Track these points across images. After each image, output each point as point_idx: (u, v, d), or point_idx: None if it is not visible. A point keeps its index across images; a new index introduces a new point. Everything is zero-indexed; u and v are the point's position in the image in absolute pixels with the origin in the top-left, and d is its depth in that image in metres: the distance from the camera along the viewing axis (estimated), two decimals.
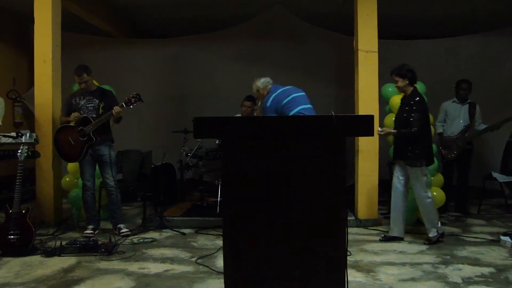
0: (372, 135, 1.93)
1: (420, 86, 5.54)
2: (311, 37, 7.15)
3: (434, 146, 5.46)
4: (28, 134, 4.64)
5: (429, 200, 4.56)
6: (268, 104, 4.74)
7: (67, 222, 5.56)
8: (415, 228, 5.22)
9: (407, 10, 7.18)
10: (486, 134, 5.99)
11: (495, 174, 6.20)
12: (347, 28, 5.93)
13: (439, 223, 4.69)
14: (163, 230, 5.19)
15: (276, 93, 4.78)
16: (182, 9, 7.39)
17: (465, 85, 5.95)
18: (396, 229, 4.72)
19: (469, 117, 5.90)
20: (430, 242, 4.54)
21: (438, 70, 6.87)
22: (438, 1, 6.86)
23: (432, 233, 4.57)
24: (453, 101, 6.04)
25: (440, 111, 6.08)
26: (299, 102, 4.70)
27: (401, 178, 4.65)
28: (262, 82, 4.94)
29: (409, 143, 4.45)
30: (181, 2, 7.03)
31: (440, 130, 6.00)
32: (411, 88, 4.56)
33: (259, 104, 5.04)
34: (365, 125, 2.00)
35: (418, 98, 4.49)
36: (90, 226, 5.02)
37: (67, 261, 4.05)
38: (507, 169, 6.85)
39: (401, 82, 4.54)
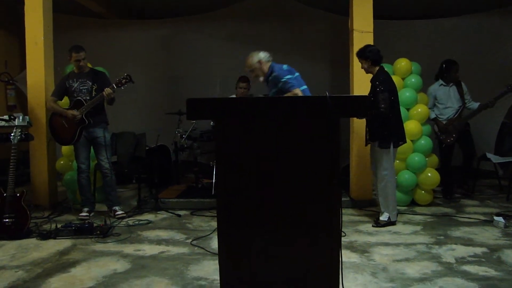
0: (367, 116, 1.92)
1: (415, 67, 5.55)
2: (305, 18, 7.09)
3: (427, 128, 5.49)
4: (21, 117, 4.62)
5: (388, 184, 4.53)
6: (284, 75, 4.49)
7: (62, 204, 5.57)
8: (409, 209, 5.26)
9: None
10: (480, 114, 5.89)
11: (489, 155, 6.21)
12: (342, 8, 5.87)
13: (396, 212, 4.65)
14: (158, 212, 5.21)
15: (286, 66, 4.64)
16: None
17: (456, 67, 5.72)
18: None
19: (460, 97, 5.74)
20: (378, 225, 4.54)
21: (434, 50, 6.85)
22: None
23: (383, 217, 4.58)
24: (441, 84, 5.77)
25: (428, 96, 5.77)
26: (301, 82, 4.63)
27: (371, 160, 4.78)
28: (265, 56, 4.63)
29: (378, 124, 4.46)
30: None
31: (433, 115, 5.74)
32: (376, 68, 4.58)
33: (260, 79, 4.67)
34: (359, 106, 1.99)
35: (381, 78, 4.48)
36: (85, 209, 5.03)
37: (63, 243, 4.06)
38: (502, 150, 6.87)
39: (365, 63, 4.61)
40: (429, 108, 5.74)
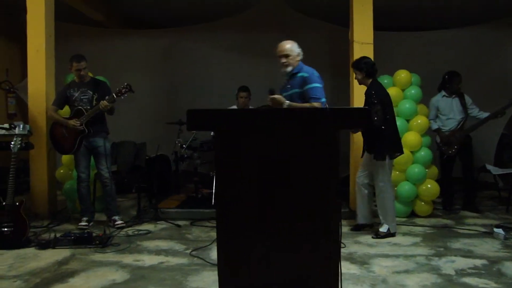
0: (367, 128, 1.92)
1: (415, 78, 5.57)
2: (306, 28, 7.11)
3: (427, 139, 5.49)
4: (21, 126, 4.61)
5: (386, 195, 4.54)
6: (315, 81, 4.12)
7: (62, 214, 5.55)
8: (408, 220, 5.25)
9: (402, 1, 7.17)
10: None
11: (489, 167, 6.21)
12: (342, 19, 5.91)
13: (395, 224, 4.64)
14: (158, 222, 5.19)
15: (317, 73, 4.24)
16: (175, 0, 7.34)
17: (458, 78, 5.72)
18: (360, 216, 4.82)
19: (462, 108, 5.72)
20: (377, 236, 4.54)
21: (433, 61, 6.86)
22: None
23: (382, 228, 4.58)
24: (443, 96, 5.78)
25: (430, 108, 5.79)
26: (323, 94, 4.32)
27: (361, 169, 4.79)
28: (299, 50, 4.27)
29: (372, 137, 4.48)
30: None
31: (435, 126, 5.74)
32: (369, 80, 4.64)
33: (288, 70, 4.21)
34: (359, 118, 2.00)
35: (374, 90, 4.52)
36: (85, 218, 5.01)
37: (61, 253, 4.04)
38: (501, 161, 6.88)
39: (359, 75, 4.68)
40: (431, 119, 5.75)
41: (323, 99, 4.13)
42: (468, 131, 5.71)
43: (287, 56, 4.19)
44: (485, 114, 5.68)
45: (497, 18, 6.99)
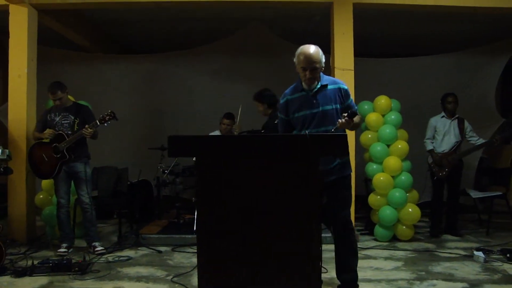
0: (347, 154, 1.95)
1: (394, 104, 5.68)
2: (288, 54, 7.18)
3: (407, 164, 5.56)
4: (0, 150, 4.55)
5: None
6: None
7: (40, 240, 5.44)
8: (390, 244, 5.27)
9: (382, 29, 7.35)
10: None
11: (469, 190, 6.31)
12: (323, 46, 6.00)
13: None
14: (139, 248, 5.12)
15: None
16: (159, 26, 7.42)
17: (451, 98, 5.78)
18: None
19: (459, 132, 5.77)
20: None
21: (413, 87, 7.02)
22: (412, 22, 7.04)
23: None
24: (442, 116, 5.84)
25: (428, 127, 5.86)
26: None
27: None
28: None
29: None
30: (158, 19, 7.06)
31: (430, 146, 5.79)
32: (270, 111, 4.96)
33: (312, 86, 3.36)
34: (339, 144, 2.03)
35: (276, 119, 4.71)
36: (64, 245, 4.92)
37: (39, 281, 3.94)
38: (480, 185, 6.98)
39: (261, 106, 4.98)
40: (428, 139, 5.83)
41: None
42: (462, 155, 5.76)
43: (315, 69, 3.29)
44: (481, 141, 5.77)
45: (477, 46, 7.20)
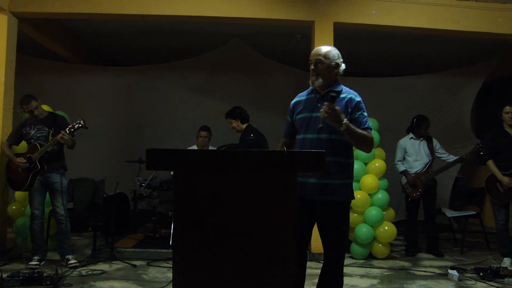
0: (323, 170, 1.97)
1: (373, 123, 5.73)
2: (269, 71, 7.27)
3: (384, 182, 5.62)
4: None
5: None
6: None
7: (11, 252, 5.30)
8: (366, 262, 5.30)
9: (362, 49, 7.49)
10: None
11: (444, 209, 6.40)
12: (304, 64, 6.07)
13: None
14: (114, 262, 5.03)
15: None
16: (141, 38, 7.43)
17: (426, 123, 5.84)
18: None
19: (429, 151, 5.83)
20: None
21: (390, 107, 7.14)
22: (391, 43, 7.20)
23: None
24: (411, 138, 5.91)
25: (397, 149, 5.92)
26: None
27: None
28: (338, 59, 3.03)
29: None
30: (140, 32, 7.07)
31: (402, 168, 5.83)
32: (244, 125, 5.17)
33: (317, 83, 2.98)
34: (316, 161, 2.05)
35: (252, 133, 4.96)
36: (36, 257, 4.81)
37: None
38: (456, 204, 7.09)
39: (234, 123, 5.19)
40: (399, 161, 5.87)
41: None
42: (434, 174, 5.79)
43: (319, 62, 2.98)
44: (452, 158, 5.80)
45: (453, 68, 7.38)
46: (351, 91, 3.04)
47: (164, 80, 7.42)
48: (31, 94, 4.89)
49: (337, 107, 2.73)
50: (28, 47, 6.46)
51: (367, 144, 2.95)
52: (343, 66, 3.01)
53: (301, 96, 3.16)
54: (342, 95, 2.97)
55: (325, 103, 2.72)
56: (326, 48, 3.00)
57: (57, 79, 7.18)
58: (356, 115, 2.92)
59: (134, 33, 7.14)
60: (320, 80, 2.96)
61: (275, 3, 5.57)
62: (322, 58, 2.96)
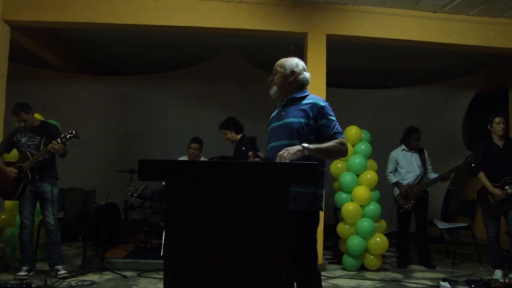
0: (315, 183, 1.97)
1: (364, 134, 5.78)
2: (262, 82, 7.25)
3: (376, 193, 5.63)
4: None
5: None
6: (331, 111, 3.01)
7: None
8: (358, 274, 5.29)
9: (354, 61, 7.55)
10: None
11: (436, 221, 6.42)
12: None
13: None
14: (104, 272, 4.99)
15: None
16: (134, 48, 7.43)
17: (417, 135, 5.87)
18: None
19: (421, 163, 5.85)
20: None
21: (382, 118, 7.18)
22: (384, 55, 7.26)
23: None
24: (403, 150, 5.94)
25: (389, 160, 5.94)
26: None
27: None
28: (297, 67, 3.11)
29: None
30: (132, 41, 7.07)
31: (394, 179, 5.85)
32: (238, 136, 5.35)
33: (272, 91, 3.14)
34: (308, 173, 2.05)
35: (245, 144, 4.97)
36: (25, 268, 4.75)
37: None
38: (447, 215, 7.12)
39: (229, 133, 5.39)
40: (391, 172, 5.89)
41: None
42: (426, 186, 5.80)
43: (275, 72, 3.12)
44: (433, 175, 5.82)
45: (445, 80, 7.45)
46: (317, 97, 3.04)
47: (156, 90, 7.41)
48: (24, 103, 4.85)
49: (280, 152, 2.65)
50: (21, 56, 6.43)
51: (336, 153, 2.94)
52: (305, 74, 3.08)
53: (276, 109, 3.23)
54: (306, 101, 3.00)
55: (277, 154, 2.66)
56: (285, 59, 3.12)
57: (50, 87, 7.14)
58: (322, 122, 2.92)
59: (129, 42, 7.13)
60: (275, 88, 3.09)
61: (269, 14, 5.60)
62: (278, 68, 3.10)
